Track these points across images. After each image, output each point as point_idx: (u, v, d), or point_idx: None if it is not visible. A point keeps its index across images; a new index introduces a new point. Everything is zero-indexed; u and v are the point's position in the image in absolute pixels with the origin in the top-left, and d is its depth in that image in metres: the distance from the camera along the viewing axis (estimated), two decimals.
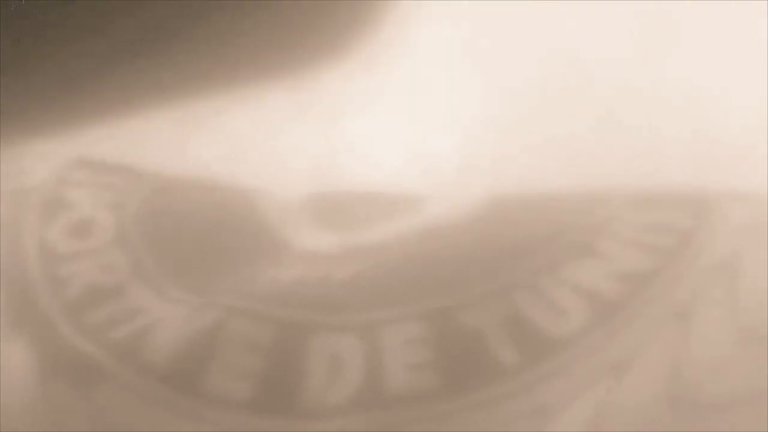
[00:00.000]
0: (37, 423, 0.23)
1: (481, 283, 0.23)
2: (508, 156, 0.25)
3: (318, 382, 0.22)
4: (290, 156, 0.26)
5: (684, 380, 0.21)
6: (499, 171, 0.25)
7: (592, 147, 0.25)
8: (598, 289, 0.23)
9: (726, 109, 0.24)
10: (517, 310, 0.23)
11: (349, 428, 0.22)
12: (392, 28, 0.27)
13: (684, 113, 0.25)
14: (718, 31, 0.25)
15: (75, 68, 0.27)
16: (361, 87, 0.26)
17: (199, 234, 0.25)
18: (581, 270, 0.23)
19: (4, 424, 0.23)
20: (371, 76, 0.26)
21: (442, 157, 0.25)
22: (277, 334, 0.23)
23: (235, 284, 0.24)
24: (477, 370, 0.22)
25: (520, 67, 0.26)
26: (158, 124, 0.26)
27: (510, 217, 0.24)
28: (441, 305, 0.23)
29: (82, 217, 0.25)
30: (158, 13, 0.27)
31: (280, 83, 0.26)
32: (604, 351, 0.22)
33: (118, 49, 0.27)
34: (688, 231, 0.23)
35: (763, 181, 0.23)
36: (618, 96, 0.25)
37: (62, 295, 0.24)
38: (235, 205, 0.25)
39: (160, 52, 0.27)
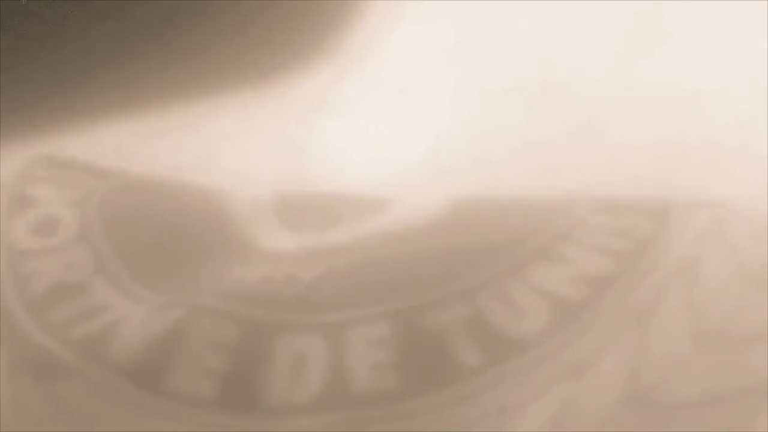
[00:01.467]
0: (2, 419, 0.23)
1: (446, 285, 0.23)
2: (475, 160, 0.25)
3: (282, 381, 0.22)
4: (258, 156, 0.26)
5: (643, 381, 0.22)
6: (467, 175, 0.25)
7: (558, 153, 0.25)
8: (561, 292, 0.23)
9: (691, 119, 0.25)
10: (481, 312, 0.23)
11: (312, 427, 0.22)
12: (365, 30, 0.27)
13: (649, 122, 0.25)
14: (689, 41, 0.26)
15: (44, 69, 0.27)
16: (332, 89, 0.26)
17: (164, 232, 0.25)
18: (544, 273, 0.23)
19: None
20: (342, 79, 0.26)
21: (411, 159, 0.25)
22: (242, 332, 0.23)
23: (200, 283, 0.24)
24: (440, 370, 0.22)
25: (492, 72, 0.26)
26: (127, 124, 0.26)
27: (476, 220, 0.24)
28: (405, 306, 0.23)
29: (47, 214, 0.25)
30: (132, 19, 0.27)
31: (251, 85, 0.27)
32: (566, 352, 0.22)
33: (89, 53, 0.27)
34: (649, 236, 0.23)
35: (724, 188, 0.24)
36: (585, 104, 0.25)
37: (26, 292, 0.24)
38: (201, 204, 0.25)
39: (131, 57, 0.27)
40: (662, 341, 0.22)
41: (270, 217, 0.25)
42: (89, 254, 0.25)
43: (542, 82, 0.26)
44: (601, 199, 0.24)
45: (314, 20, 0.27)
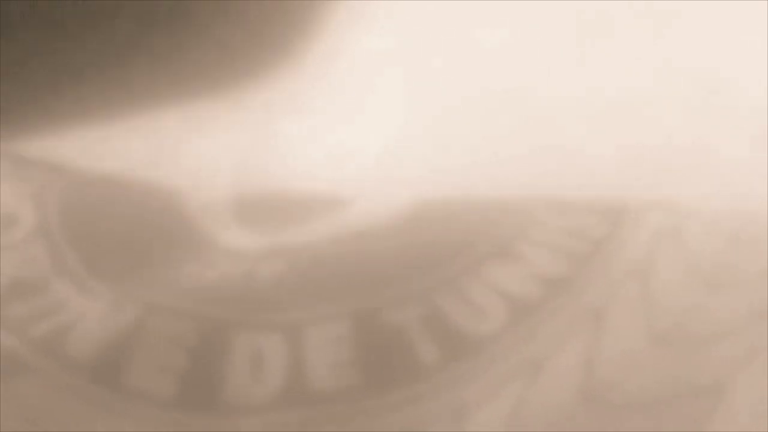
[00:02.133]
0: None
1: (404, 284, 0.24)
2: (432, 161, 0.25)
3: (241, 380, 0.23)
4: (215, 155, 0.26)
5: (598, 379, 0.22)
6: (424, 175, 0.25)
7: (515, 154, 0.25)
8: (517, 290, 0.23)
9: (647, 120, 0.25)
10: (439, 311, 0.23)
11: (271, 425, 0.22)
12: (326, 32, 0.27)
13: (606, 124, 0.25)
14: (639, 44, 0.26)
15: (16, 71, 0.27)
16: (290, 89, 0.26)
17: (122, 230, 0.25)
18: (500, 272, 0.23)
19: None
20: (300, 79, 0.26)
21: (368, 159, 0.25)
22: (200, 330, 0.23)
23: (158, 280, 0.24)
24: (399, 368, 0.23)
25: (451, 74, 0.26)
26: (83, 121, 0.26)
27: (433, 219, 0.24)
28: (364, 305, 0.23)
29: (5, 210, 0.25)
30: (95, 25, 0.27)
31: (208, 85, 0.27)
32: (522, 350, 0.22)
33: (52, 56, 0.27)
34: (603, 237, 0.24)
35: (677, 189, 0.24)
36: (542, 104, 0.26)
37: None
38: (158, 202, 0.25)
39: (94, 61, 0.27)
40: (617, 340, 0.22)
41: (228, 215, 0.25)
42: (47, 251, 0.25)
43: (500, 88, 0.26)
44: (556, 200, 0.24)
45: (276, 23, 0.27)
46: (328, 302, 0.23)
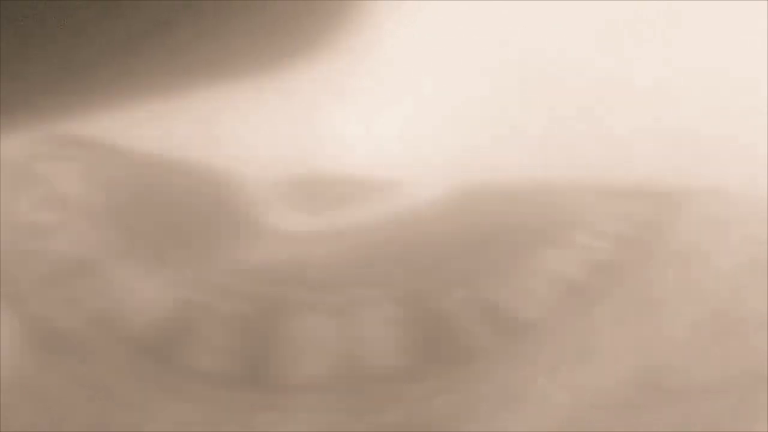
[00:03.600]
0: (12, 397, 0.23)
1: (454, 267, 0.24)
2: (482, 145, 0.25)
3: (293, 359, 0.23)
4: (266, 139, 0.26)
5: (651, 364, 0.22)
6: (474, 159, 0.25)
7: (565, 138, 0.25)
8: (568, 276, 0.23)
9: (699, 105, 0.25)
10: (490, 295, 0.23)
11: (321, 406, 0.22)
12: (373, 17, 0.27)
13: (657, 107, 0.25)
14: (695, 27, 0.26)
15: (57, 49, 0.27)
16: (339, 74, 0.27)
17: (176, 213, 0.25)
18: (553, 258, 0.24)
19: None
20: (349, 64, 0.27)
21: (418, 144, 0.26)
22: (254, 310, 0.23)
23: (211, 261, 0.24)
24: (450, 351, 0.23)
25: (498, 59, 0.26)
26: (135, 105, 0.26)
27: (483, 204, 0.25)
28: (415, 287, 0.23)
29: (54, 191, 0.25)
30: (145, 5, 0.27)
31: (260, 72, 0.27)
32: (573, 337, 0.23)
33: (104, 35, 0.27)
34: (656, 223, 0.24)
35: (730, 176, 0.24)
36: (593, 89, 0.26)
37: (41, 269, 0.24)
38: (212, 186, 0.25)
39: (144, 41, 0.27)
40: (667, 325, 0.23)
41: (279, 199, 0.25)
42: (105, 232, 0.25)
43: (549, 71, 0.26)
44: (605, 185, 0.24)
45: (325, 10, 0.27)
46: (380, 285, 0.24)
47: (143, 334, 0.23)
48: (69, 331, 0.23)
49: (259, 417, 0.22)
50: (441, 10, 0.27)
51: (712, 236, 0.23)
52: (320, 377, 0.23)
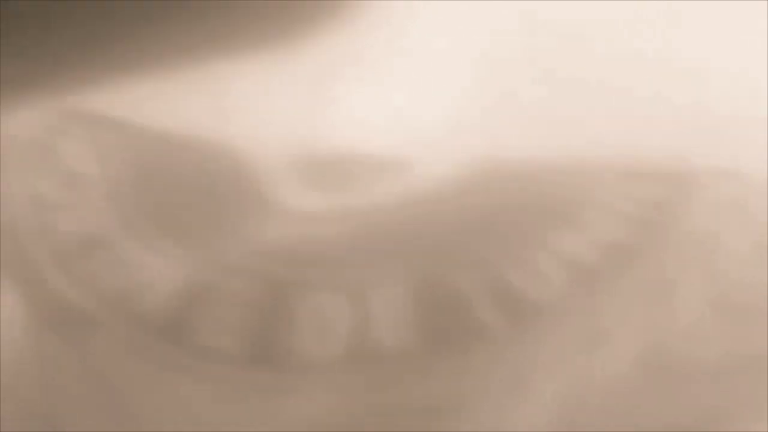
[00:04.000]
0: (27, 372, 0.23)
1: (467, 248, 0.24)
2: (494, 124, 0.25)
3: (306, 339, 0.23)
4: (279, 118, 0.26)
5: (663, 348, 0.22)
6: (485, 139, 0.25)
7: (579, 118, 0.25)
8: (581, 258, 0.23)
9: (716, 87, 0.25)
10: (501, 276, 0.23)
11: (336, 385, 0.22)
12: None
13: (673, 88, 0.25)
14: (714, 7, 0.26)
15: (75, 26, 0.27)
16: (351, 53, 0.26)
17: (187, 190, 0.25)
18: (565, 239, 0.23)
19: None
20: (361, 43, 0.27)
21: (430, 123, 0.26)
22: (267, 290, 0.23)
23: (226, 240, 0.24)
24: (461, 332, 0.23)
25: (511, 37, 0.26)
26: (152, 83, 0.26)
27: (496, 184, 0.24)
28: (427, 268, 0.23)
29: (73, 168, 0.26)
30: None
31: (273, 49, 0.27)
32: (585, 318, 0.23)
33: (117, 13, 0.27)
34: (670, 204, 0.24)
35: (747, 161, 0.24)
36: (607, 68, 0.26)
37: (52, 245, 0.24)
38: (223, 164, 0.25)
39: (158, 19, 0.27)
40: (681, 309, 0.22)
41: (292, 177, 0.25)
42: (116, 209, 0.25)
43: (560, 48, 0.26)
44: (622, 167, 0.24)
45: None
46: (391, 265, 0.24)
47: (154, 312, 0.23)
48: (79, 309, 0.23)
49: (270, 396, 0.22)
50: None
51: (726, 218, 0.23)
52: (331, 357, 0.23)
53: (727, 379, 0.22)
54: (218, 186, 0.25)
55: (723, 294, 0.23)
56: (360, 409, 0.22)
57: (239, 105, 0.26)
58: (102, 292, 0.24)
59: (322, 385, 0.22)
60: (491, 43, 0.26)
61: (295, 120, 0.26)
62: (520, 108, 0.25)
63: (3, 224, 0.25)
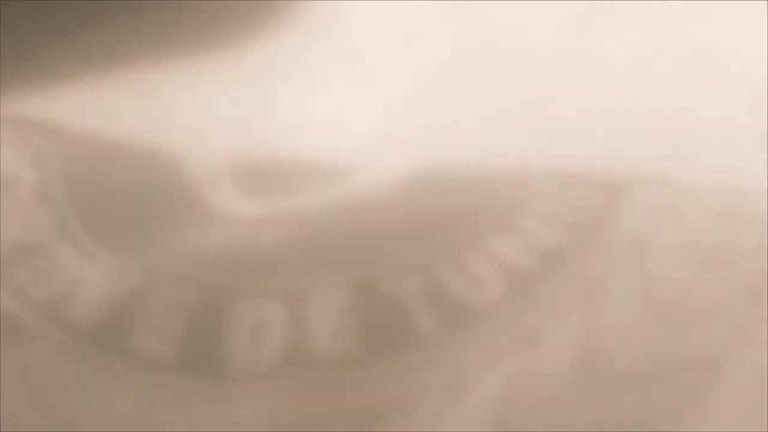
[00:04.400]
0: None
1: (403, 253, 0.24)
2: (431, 131, 0.25)
3: (242, 346, 0.23)
4: (216, 123, 0.26)
5: (594, 351, 0.22)
6: (423, 145, 0.25)
7: (513, 125, 0.25)
8: (515, 262, 0.23)
9: (645, 94, 0.25)
10: (437, 281, 0.23)
11: (272, 391, 0.22)
12: (325, 2, 0.27)
13: (604, 95, 0.25)
14: (654, 17, 0.26)
15: (9, 30, 0.27)
16: (289, 59, 0.26)
17: (122, 196, 0.25)
18: (499, 243, 0.24)
19: None
20: (300, 48, 0.27)
21: (368, 129, 0.26)
22: (202, 296, 0.23)
23: (160, 246, 0.24)
24: (398, 337, 0.23)
25: (447, 44, 0.26)
26: (87, 89, 0.26)
27: (432, 190, 0.25)
28: (363, 274, 0.24)
29: (6, 173, 0.25)
30: None
31: (210, 54, 0.27)
32: (520, 322, 0.23)
33: (51, 17, 0.27)
34: (602, 210, 0.24)
35: (676, 165, 0.24)
36: (541, 76, 0.26)
37: None
38: (159, 169, 0.25)
39: (93, 23, 0.27)
40: (614, 313, 0.23)
41: (229, 183, 0.25)
42: (48, 215, 0.25)
43: (498, 55, 0.26)
44: (555, 173, 0.25)
45: None
46: (328, 271, 0.24)
47: (88, 318, 0.23)
48: (11, 315, 0.23)
49: (205, 403, 0.22)
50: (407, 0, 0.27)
51: (657, 223, 0.24)
52: (267, 363, 0.23)
53: (660, 380, 0.22)
54: (154, 191, 0.25)
55: (654, 296, 0.23)
56: (296, 416, 0.22)
57: (176, 110, 0.26)
58: (35, 298, 0.24)
59: (257, 391, 0.22)
60: (432, 48, 0.26)
61: (233, 125, 0.26)
62: (459, 115, 0.26)
63: None
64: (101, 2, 0.27)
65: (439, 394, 0.22)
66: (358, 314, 0.23)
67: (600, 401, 0.22)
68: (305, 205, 0.25)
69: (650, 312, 0.23)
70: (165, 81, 0.26)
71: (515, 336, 0.23)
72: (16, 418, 0.22)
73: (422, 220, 0.24)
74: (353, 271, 0.24)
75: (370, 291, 0.23)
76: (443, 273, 0.23)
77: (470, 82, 0.26)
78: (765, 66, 0.25)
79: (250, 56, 0.26)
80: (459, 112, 0.26)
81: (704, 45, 0.26)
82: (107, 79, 0.26)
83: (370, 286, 0.23)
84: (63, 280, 0.24)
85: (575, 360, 0.22)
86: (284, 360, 0.23)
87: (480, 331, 0.23)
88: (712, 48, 0.26)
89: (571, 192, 0.24)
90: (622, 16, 0.26)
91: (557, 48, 0.26)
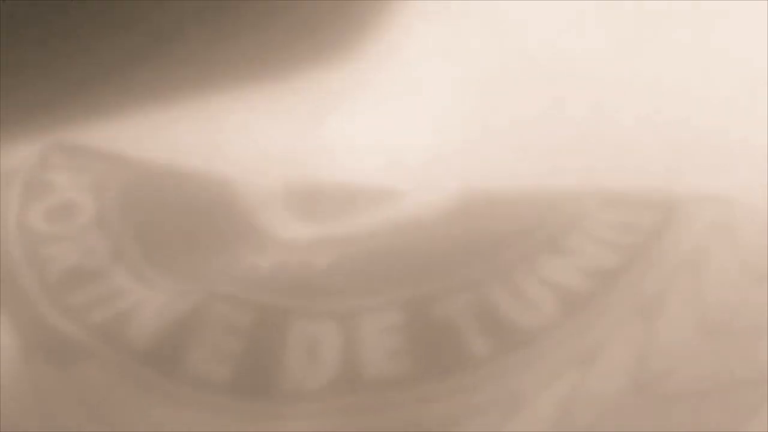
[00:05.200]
0: (19, 402, 0.23)
1: (456, 274, 0.24)
2: (482, 152, 0.26)
3: (296, 367, 0.23)
4: (270, 148, 0.26)
5: (648, 371, 0.22)
6: (474, 166, 0.25)
7: (567, 144, 0.25)
8: (568, 283, 0.23)
9: (699, 111, 0.25)
10: (489, 302, 0.23)
11: (325, 413, 0.22)
12: (371, 27, 0.27)
13: (658, 113, 0.25)
14: (699, 32, 0.26)
15: (66, 58, 0.27)
16: (341, 82, 0.27)
17: (178, 220, 0.25)
18: (552, 265, 0.24)
19: None
20: (350, 74, 0.27)
21: (419, 150, 0.26)
22: (257, 318, 0.24)
23: (215, 269, 0.24)
24: (450, 358, 0.23)
25: (499, 65, 0.27)
26: (143, 114, 0.27)
27: (483, 211, 0.25)
28: (417, 294, 0.24)
29: (63, 199, 0.26)
30: (156, 14, 0.28)
31: (264, 80, 0.27)
32: (573, 343, 0.23)
33: (112, 45, 0.27)
34: (655, 230, 0.24)
35: (732, 183, 0.24)
36: (593, 96, 0.26)
37: (43, 276, 0.25)
38: (215, 193, 0.26)
39: (152, 51, 0.27)
40: (667, 333, 0.23)
41: (282, 206, 0.25)
42: (106, 240, 0.25)
43: (550, 79, 0.26)
44: (608, 192, 0.25)
45: (329, 17, 0.27)
46: (380, 292, 0.24)
47: (145, 341, 0.23)
48: (70, 338, 0.24)
49: (260, 424, 0.22)
50: (449, 20, 0.27)
51: (711, 242, 0.24)
52: (320, 384, 0.23)
53: (714, 398, 0.22)
54: (209, 216, 0.25)
55: (709, 315, 0.23)
56: None
57: (230, 136, 0.26)
58: (92, 321, 0.24)
59: (310, 411, 0.22)
60: (479, 70, 0.27)
61: (285, 151, 0.26)
62: (507, 136, 0.26)
63: None
64: (167, 35, 0.27)
65: (490, 415, 0.22)
66: (409, 334, 0.23)
67: (654, 420, 0.22)
68: (357, 226, 0.25)
69: (704, 331, 0.23)
70: (221, 108, 0.27)
71: (569, 356, 0.23)
72: None
73: (473, 240, 0.24)
74: (405, 291, 0.24)
75: (422, 311, 0.23)
76: (495, 294, 0.23)
77: (518, 102, 0.26)
78: None
79: (302, 85, 0.27)
80: (508, 131, 0.26)
81: (761, 65, 0.26)
82: (166, 108, 0.27)
83: (422, 307, 0.23)
84: (120, 304, 0.24)
85: (629, 379, 0.22)
86: (337, 380, 0.23)
87: (533, 351, 0.23)
88: (766, 69, 0.26)
89: (624, 211, 0.24)
90: (671, 30, 0.26)
91: (605, 63, 0.26)
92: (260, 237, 0.25)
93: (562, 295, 0.23)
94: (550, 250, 0.24)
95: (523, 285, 0.23)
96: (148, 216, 0.25)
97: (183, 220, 0.25)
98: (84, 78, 0.27)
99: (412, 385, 0.23)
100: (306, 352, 0.23)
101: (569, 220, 0.24)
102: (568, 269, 0.24)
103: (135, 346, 0.23)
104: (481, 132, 0.26)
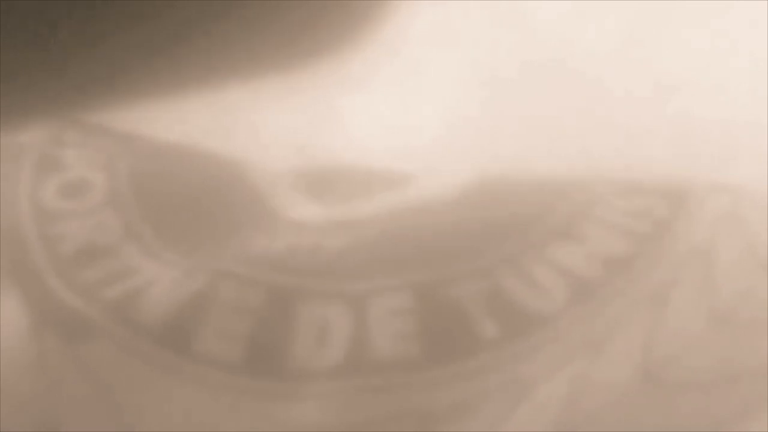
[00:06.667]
0: (29, 378, 0.23)
1: (466, 259, 0.24)
2: (495, 137, 0.26)
3: (305, 347, 0.23)
4: (282, 131, 0.26)
5: (658, 359, 0.22)
6: (486, 151, 0.25)
7: (578, 131, 0.25)
8: (579, 270, 0.23)
9: (711, 101, 0.25)
10: (500, 286, 0.23)
11: (334, 394, 0.23)
12: (384, 14, 0.27)
13: (670, 103, 0.25)
14: (706, 23, 0.26)
15: (81, 36, 0.27)
16: (353, 69, 0.27)
17: (191, 199, 0.25)
18: (563, 251, 0.24)
19: None
20: (362, 59, 0.27)
21: (430, 135, 0.26)
22: (267, 298, 0.24)
23: (226, 249, 0.24)
24: (459, 342, 0.23)
25: (510, 50, 0.27)
26: (156, 95, 0.27)
27: (495, 196, 0.25)
28: (426, 278, 0.24)
29: (76, 177, 0.26)
30: (178, 6, 0.28)
31: (277, 66, 0.27)
32: (582, 329, 0.23)
33: (128, 30, 0.27)
34: (667, 218, 0.24)
35: (741, 173, 0.24)
36: (605, 82, 0.26)
37: (55, 253, 0.25)
38: (226, 174, 0.26)
39: (173, 41, 0.27)
40: (676, 321, 0.23)
41: (294, 188, 0.25)
42: (118, 218, 0.25)
43: (562, 65, 0.26)
44: (620, 180, 0.25)
45: (337, 4, 0.27)
46: (391, 274, 0.24)
47: (154, 319, 0.24)
48: (80, 315, 0.24)
49: (269, 403, 0.23)
50: (459, 9, 0.27)
51: (721, 231, 0.24)
52: (329, 365, 0.23)
53: (722, 388, 0.22)
54: (221, 196, 0.25)
55: (718, 304, 0.23)
56: (355, 417, 0.22)
57: (244, 119, 0.26)
58: (103, 298, 0.24)
59: (319, 392, 0.23)
60: (490, 58, 0.27)
61: (298, 134, 0.26)
62: (520, 122, 0.26)
63: (5, 231, 0.25)
64: (176, 19, 0.28)
65: (498, 400, 0.22)
66: (419, 318, 0.23)
67: (662, 408, 0.22)
68: (368, 210, 0.25)
69: (713, 320, 0.23)
70: (235, 93, 0.27)
71: (578, 343, 0.23)
72: (82, 416, 0.23)
73: (485, 224, 0.24)
74: (415, 274, 0.24)
75: (432, 295, 0.23)
76: (506, 279, 0.23)
77: (530, 88, 0.26)
78: None
79: (316, 72, 0.27)
80: (520, 117, 0.26)
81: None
82: (179, 91, 0.27)
83: (432, 291, 0.23)
84: (131, 282, 0.24)
85: (638, 367, 0.22)
86: (345, 362, 0.23)
87: (542, 337, 0.23)
88: None
89: (635, 199, 0.24)
90: (680, 20, 0.26)
91: (620, 56, 0.26)
92: (272, 218, 0.25)
93: (572, 281, 0.23)
94: (561, 236, 0.24)
95: (534, 271, 0.23)
96: (161, 195, 0.25)
97: (195, 200, 0.25)
98: (97, 57, 0.27)
99: (421, 369, 0.23)
100: (316, 334, 0.23)
101: (580, 207, 0.24)
102: (579, 256, 0.24)
103: (145, 323, 0.23)
104: (493, 117, 0.26)
